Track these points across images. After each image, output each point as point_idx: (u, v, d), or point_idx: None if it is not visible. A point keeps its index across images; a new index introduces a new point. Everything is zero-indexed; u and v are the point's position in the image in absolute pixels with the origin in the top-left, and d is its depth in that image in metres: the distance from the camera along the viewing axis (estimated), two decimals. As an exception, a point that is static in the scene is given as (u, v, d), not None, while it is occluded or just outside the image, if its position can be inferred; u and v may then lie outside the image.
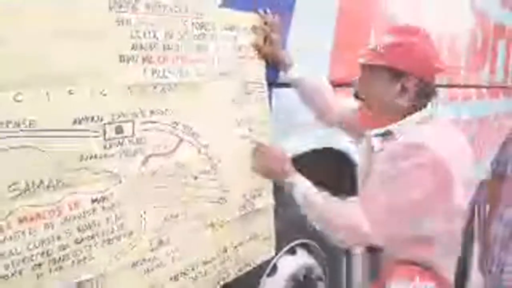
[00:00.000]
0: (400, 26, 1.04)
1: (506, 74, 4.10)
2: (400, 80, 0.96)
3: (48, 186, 0.78)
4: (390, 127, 0.98)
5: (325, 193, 1.06)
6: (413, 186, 0.89)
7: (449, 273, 1.02)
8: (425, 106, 0.98)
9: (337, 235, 1.02)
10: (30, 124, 0.75)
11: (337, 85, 1.52)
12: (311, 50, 1.47)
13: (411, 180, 0.89)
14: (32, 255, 0.79)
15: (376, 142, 1.00)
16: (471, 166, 1.01)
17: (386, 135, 0.99)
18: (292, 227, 1.56)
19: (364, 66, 1.04)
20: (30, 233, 0.78)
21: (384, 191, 0.92)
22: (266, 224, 1.35)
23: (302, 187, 1.06)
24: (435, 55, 0.98)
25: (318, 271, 1.69)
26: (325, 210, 1.02)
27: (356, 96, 1.07)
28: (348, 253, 1.92)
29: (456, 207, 0.94)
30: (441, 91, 2.67)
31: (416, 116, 0.97)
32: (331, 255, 1.78)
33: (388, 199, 0.91)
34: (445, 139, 0.94)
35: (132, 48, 0.90)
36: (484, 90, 3.52)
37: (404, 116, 0.97)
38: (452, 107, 2.88)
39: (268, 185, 1.32)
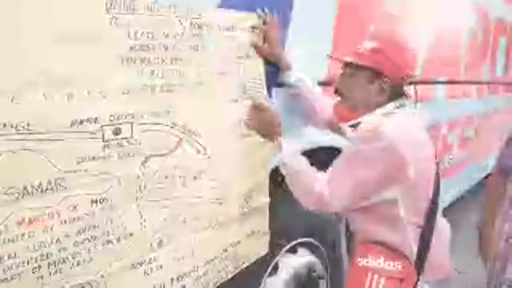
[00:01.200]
0: (381, 33, 1.23)
1: (506, 71, 4.09)
2: (378, 80, 1.11)
3: (46, 189, 0.78)
4: (360, 119, 1.13)
5: (304, 159, 1.16)
6: (367, 164, 1.04)
7: (411, 252, 1.10)
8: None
9: (302, 198, 1.14)
10: (27, 126, 0.75)
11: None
12: (310, 49, 1.46)
13: (366, 158, 1.05)
14: (31, 258, 0.79)
15: (348, 132, 1.18)
16: (427, 152, 1.13)
17: (357, 125, 1.13)
18: (293, 226, 1.56)
19: (347, 64, 1.16)
20: (28, 236, 0.78)
21: (346, 165, 1.09)
22: (262, 222, 1.36)
23: (287, 150, 1.16)
24: (407, 62, 1.16)
25: (319, 269, 1.69)
26: (299, 173, 1.14)
27: (337, 90, 1.19)
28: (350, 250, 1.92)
29: (411, 185, 1.05)
30: (442, 88, 2.68)
31: (382, 109, 1.12)
32: (333, 253, 1.78)
33: (348, 172, 1.07)
34: (398, 129, 1.06)
35: (130, 49, 0.89)
36: (484, 87, 3.51)
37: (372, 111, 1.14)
38: (452, 104, 2.87)
39: (264, 183, 1.33)
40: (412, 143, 1.05)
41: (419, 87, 2.15)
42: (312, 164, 1.18)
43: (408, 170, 1.02)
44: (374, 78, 1.11)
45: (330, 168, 1.12)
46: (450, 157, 2.96)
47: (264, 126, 1.19)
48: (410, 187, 1.05)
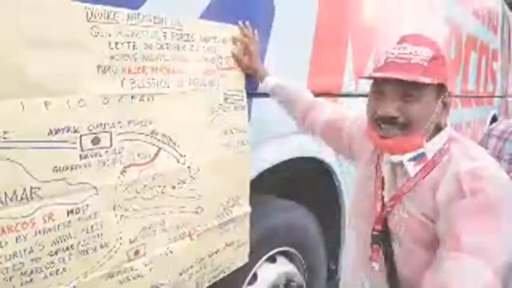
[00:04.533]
0: (423, 38, 0.91)
1: (477, 84, 4.27)
2: (441, 96, 0.89)
3: (21, 198, 0.77)
4: (424, 149, 0.89)
5: None
6: (497, 211, 0.78)
7: None
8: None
9: None
10: (3, 134, 0.74)
11: (315, 95, 1.55)
12: (290, 61, 1.50)
13: (491, 206, 0.79)
14: (3, 268, 0.77)
15: (411, 166, 0.90)
16: None
17: (420, 157, 0.90)
18: (272, 235, 1.57)
19: (389, 81, 0.86)
20: (1, 246, 0.76)
21: (492, 234, 0.77)
22: (242, 232, 1.36)
23: None
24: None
25: (298, 279, 1.70)
26: None
27: (383, 119, 0.88)
28: (329, 261, 1.95)
29: None
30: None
31: (444, 134, 0.90)
32: (312, 263, 1.80)
33: (500, 241, 0.77)
34: (485, 155, 0.87)
35: (111, 58, 0.90)
36: (457, 99, 3.65)
37: (433, 135, 0.90)
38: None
39: (245, 193, 1.34)
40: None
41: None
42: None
43: None
44: (438, 94, 0.88)
45: (472, 247, 0.77)
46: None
47: None
48: None
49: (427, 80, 0.84)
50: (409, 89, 0.85)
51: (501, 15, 5.14)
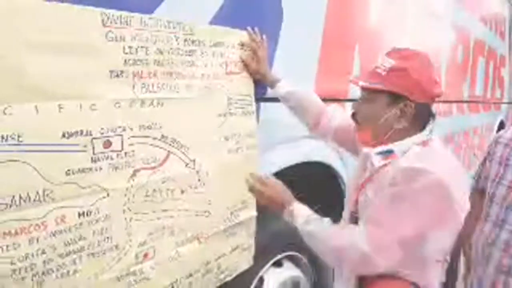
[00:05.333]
0: (401, 51, 1.02)
1: (485, 89, 4.24)
2: (399, 104, 0.98)
3: (34, 200, 0.78)
4: (391, 147, 1.00)
5: (326, 220, 1.05)
6: (419, 211, 0.90)
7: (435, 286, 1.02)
8: (423, 128, 1.01)
9: (341, 261, 1.01)
10: (18, 138, 0.75)
11: (322, 100, 1.56)
12: (297, 66, 1.50)
13: (415, 204, 0.90)
14: (15, 269, 0.78)
15: (377, 159, 1.02)
16: (465, 185, 1.06)
17: (388, 152, 1.01)
18: (279, 240, 1.57)
19: (364, 88, 1.04)
20: (14, 248, 0.77)
21: (388, 216, 0.93)
22: (248, 235, 1.37)
23: (301, 215, 1.07)
24: (433, 79, 1.00)
25: (304, 283, 1.69)
26: (325, 237, 1.02)
27: (353, 116, 1.08)
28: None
29: (457, 226, 0.95)
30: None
31: (416, 138, 0.99)
32: (318, 268, 1.79)
33: (394, 225, 0.91)
34: (442, 162, 0.96)
35: (124, 63, 0.91)
36: (464, 105, 3.63)
37: (403, 137, 1.00)
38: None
39: (251, 197, 1.34)
40: (453, 175, 0.94)
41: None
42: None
43: (457, 211, 0.91)
44: (395, 101, 0.98)
45: (369, 218, 0.97)
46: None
47: (271, 200, 1.13)
48: (456, 229, 0.95)
49: (362, 83, 1.02)
50: (366, 93, 1.04)
51: (508, 20, 5.12)
